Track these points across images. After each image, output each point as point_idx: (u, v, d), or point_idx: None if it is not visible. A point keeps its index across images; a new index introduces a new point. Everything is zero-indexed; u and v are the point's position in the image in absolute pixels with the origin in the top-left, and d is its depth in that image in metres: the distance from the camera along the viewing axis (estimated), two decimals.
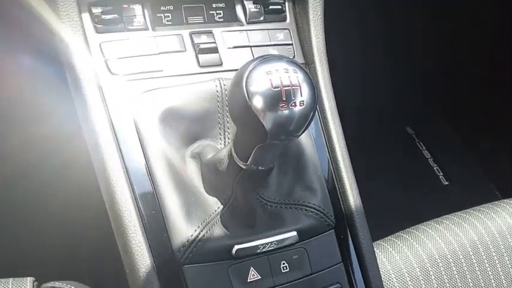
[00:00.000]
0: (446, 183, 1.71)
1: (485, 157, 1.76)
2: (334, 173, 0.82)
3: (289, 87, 0.61)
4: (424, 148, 1.77)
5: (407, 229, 1.10)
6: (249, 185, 0.73)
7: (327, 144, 0.84)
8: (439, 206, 1.60)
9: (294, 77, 0.61)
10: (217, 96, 0.79)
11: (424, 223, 1.10)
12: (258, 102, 0.61)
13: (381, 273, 0.99)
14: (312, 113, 0.63)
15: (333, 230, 0.78)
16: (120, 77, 0.78)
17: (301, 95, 0.61)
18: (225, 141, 0.81)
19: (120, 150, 0.74)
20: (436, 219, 1.12)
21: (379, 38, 1.73)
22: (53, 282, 0.87)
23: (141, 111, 0.76)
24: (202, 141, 0.81)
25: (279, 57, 0.64)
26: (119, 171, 0.73)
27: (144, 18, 0.80)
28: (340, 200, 0.81)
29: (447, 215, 1.12)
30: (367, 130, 1.68)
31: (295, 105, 0.61)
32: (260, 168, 0.69)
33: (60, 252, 1.13)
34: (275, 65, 0.62)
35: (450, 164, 1.73)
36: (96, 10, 0.77)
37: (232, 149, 0.70)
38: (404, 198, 1.63)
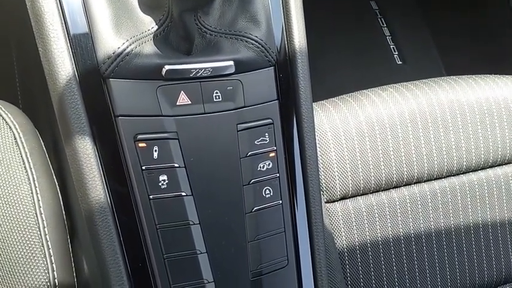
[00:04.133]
0: (400, 62, 1.70)
1: (444, 44, 1.75)
2: (282, 7, 0.77)
3: None
4: (385, 25, 1.74)
5: (352, 93, 1.09)
6: (186, 3, 0.67)
7: None
8: (390, 84, 1.62)
9: None
10: None
11: (370, 89, 1.10)
12: None
13: (318, 130, 1.00)
14: None
15: (272, 67, 0.75)
16: None
17: None
18: None
19: None
20: (382, 86, 1.12)
21: None
22: None
23: None
24: None
25: None
26: None
27: None
28: (285, 37, 0.77)
29: (393, 84, 1.12)
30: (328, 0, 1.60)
31: None
32: None
33: None
34: None
35: (407, 44, 1.71)
36: None
37: None
38: (357, 74, 1.62)
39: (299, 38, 0.77)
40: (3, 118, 0.82)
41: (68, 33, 0.66)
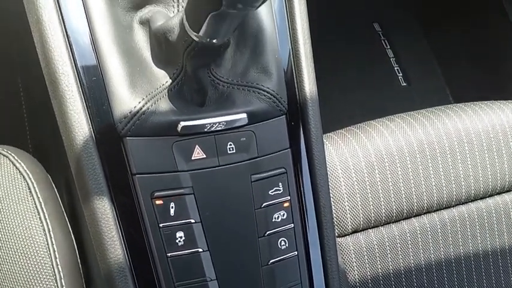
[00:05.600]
0: (404, 84, 1.71)
1: (447, 63, 1.75)
2: (293, 57, 0.78)
3: None
4: (388, 47, 1.74)
5: (359, 124, 1.10)
6: (200, 59, 0.68)
7: (289, 26, 0.78)
8: (394, 105, 1.62)
9: None
10: None
11: (376, 120, 1.11)
12: None
13: (328, 164, 1.01)
14: None
15: (284, 116, 0.76)
16: None
17: None
18: (178, 9, 0.74)
19: (59, 5, 0.66)
20: (389, 116, 1.12)
21: None
22: None
23: None
24: (153, 7, 0.73)
25: None
26: (56, 31, 0.66)
27: None
28: (296, 85, 0.78)
29: (400, 114, 1.13)
30: (331, 22, 1.61)
31: None
32: (213, 41, 0.63)
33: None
34: None
35: (411, 65, 1.71)
36: None
37: (184, 17, 0.64)
38: (362, 96, 1.62)
39: (309, 86, 0.78)
40: (16, 168, 0.82)
41: (84, 94, 0.67)
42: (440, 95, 1.71)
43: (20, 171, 0.82)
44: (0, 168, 0.81)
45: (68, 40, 0.67)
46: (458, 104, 1.19)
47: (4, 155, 0.83)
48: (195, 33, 0.63)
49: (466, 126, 1.12)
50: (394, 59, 1.72)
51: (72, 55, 0.67)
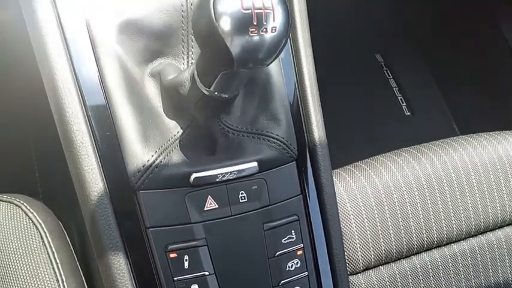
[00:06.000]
0: (408, 113, 1.72)
1: (449, 92, 1.77)
2: (301, 104, 0.79)
3: (261, 10, 0.55)
4: (391, 77, 1.76)
5: (366, 159, 1.11)
6: (210, 111, 0.69)
7: (296, 74, 0.80)
8: (400, 135, 1.63)
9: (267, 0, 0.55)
10: (182, 11, 0.73)
11: (383, 154, 1.11)
12: (225, 24, 0.55)
13: (337, 201, 1.01)
14: (284, 41, 0.58)
15: (294, 162, 0.77)
16: None
17: (274, 20, 0.56)
18: (188, 61, 0.75)
19: (72, 62, 0.68)
20: (395, 151, 1.13)
21: None
22: (0, 195, 0.83)
23: (97, 20, 0.69)
24: (163, 59, 0.75)
25: None
26: (69, 87, 0.67)
27: None
28: (305, 131, 0.79)
29: (406, 148, 1.14)
30: (336, 54, 1.63)
31: (267, 31, 0.56)
32: (223, 95, 0.64)
33: (8, 162, 1.08)
34: None
35: (414, 95, 1.73)
36: None
37: (195, 72, 0.65)
38: (367, 126, 1.63)
39: (318, 130, 0.79)
40: (29, 218, 0.83)
41: (97, 149, 0.68)
42: (444, 123, 1.72)
43: (32, 221, 0.82)
44: (13, 218, 0.82)
45: (82, 97, 0.68)
46: (463, 136, 1.19)
47: (16, 205, 0.84)
48: (206, 88, 0.64)
49: (472, 158, 1.12)
50: (397, 88, 1.73)
51: (86, 111, 0.68)
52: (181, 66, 0.75)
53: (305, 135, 0.79)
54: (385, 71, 1.75)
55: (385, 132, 1.58)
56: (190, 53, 0.75)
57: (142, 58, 0.73)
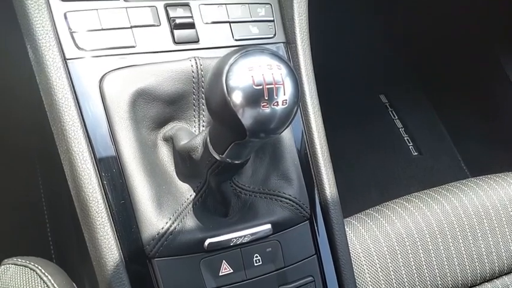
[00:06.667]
0: (416, 153, 1.73)
1: (455, 130, 1.78)
2: (311, 162, 0.80)
3: (272, 85, 0.57)
4: (396, 117, 1.78)
5: (377, 207, 1.11)
6: (223, 175, 0.70)
7: (306, 133, 0.81)
8: (409, 176, 1.64)
9: (277, 73, 0.57)
10: (193, 77, 0.75)
11: (394, 201, 1.12)
12: (238, 100, 0.57)
13: (350, 251, 1.01)
14: (295, 111, 0.60)
15: (307, 222, 0.77)
16: (88, 52, 0.71)
17: (284, 94, 0.58)
18: (199, 124, 0.77)
19: (87, 134, 0.69)
20: (405, 197, 1.13)
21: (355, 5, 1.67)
22: (15, 259, 0.83)
23: (111, 92, 0.71)
24: (175, 124, 0.76)
25: (261, 51, 0.59)
26: (85, 158, 0.68)
27: None
28: (316, 190, 0.80)
29: (416, 193, 1.14)
30: (341, 96, 1.66)
31: (278, 105, 0.57)
32: (236, 162, 0.66)
33: (23, 228, 1.09)
34: (258, 60, 0.57)
35: (421, 135, 1.74)
36: None
37: (208, 139, 0.66)
38: (375, 168, 1.64)
39: (330, 188, 0.80)
40: (44, 282, 0.83)
41: (113, 218, 0.69)
42: (453, 162, 1.72)
43: (47, 285, 0.82)
44: (29, 282, 0.82)
45: (97, 166, 0.69)
46: (472, 179, 1.20)
47: (31, 269, 0.84)
48: (218, 155, 0.65)
49: (482, 201, 1.12)
50: (402, 129, 1.75)
51: (102, 181, 0.69)
52: (192, 129, 0.76)
53: (317, 193, 0.80)
54: (390, 111, 1.77)
55: (393, 174, 1.59)
56: (201, 116, 0.77)
57: (156, 123, 0.74)
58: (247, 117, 0.57)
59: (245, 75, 0.57)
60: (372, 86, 1.79)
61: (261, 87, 0.56)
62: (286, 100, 0.58)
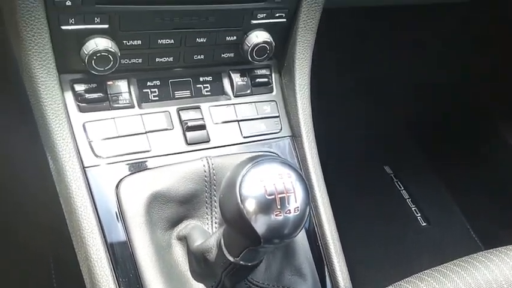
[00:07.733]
0: (424, 224, 1.73)
1: (463, 199, 1.79)
2: (324, 254, 0.81)
3: (284, 194, 0.60)
4: (402, 188, 1.80)
5: (388, 287, 1.10)
6: (237, 276, 0.72)
7: (317, 228, 0.83)
8: (418, 247, 1.63)
9: (288, 182, 0.60)
10: (205, 176, 0.78)
11: (405, 280, 1.11)
12: (251, 209, 0.59)
13: None
14: (307, 216, 0.62)
15: None
16: (105, 159, 0.75)
17: (296, 201, 0.60)
18: (212, 221, 0.79)
19: (105, 240, 0.72)
20: (417, 275, 1.12)
21: (357, 75, 1.74)
22: None
23: (127, 197, 0.74)
24: (188, 221, 0.79)
25: (270, 160, 0.63)
26: (103, 265, 0.70)
27: (130, 94, 0.77)
28: (330, 284, 0.80)
29: (428, 271, 1.13)
30: (345, 169, 1.69)
31: (290, 212, 0.60)
32: (250, 264, 0.67)
33: None
34: (268, 170, 0.61)
35: (428, 205, 1.75)
36: (80, 88, 0.74)
37: (222, 241, 0.68)
38: (384, 239, 1.64)
39: (344, 282, 0.80)
40: None
41: None
42: (462, 232, 1.72)
43: None
44: None
45: (115, 273, 0.71)
46: (482, 253, 1.19)
47: None
48: (233, 258, 0.67)
49: (496, 277, 1.12)
50: (409, 199, 1.76)
51: (117, 281, 0.71)
52: (205, 227, 0.79)
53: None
54: (395, 182, 1.79)
55: (403, 245, 1.59)
56: (213, 213, 0.79)
57: (170, 223, 0.77)
58: (261, 226, 0.60)
59: (257, 185, 0.60)
60: (375, 157, 1.82)
61: (273, 196, 0.59)
62: (298, 207, 0.60)
